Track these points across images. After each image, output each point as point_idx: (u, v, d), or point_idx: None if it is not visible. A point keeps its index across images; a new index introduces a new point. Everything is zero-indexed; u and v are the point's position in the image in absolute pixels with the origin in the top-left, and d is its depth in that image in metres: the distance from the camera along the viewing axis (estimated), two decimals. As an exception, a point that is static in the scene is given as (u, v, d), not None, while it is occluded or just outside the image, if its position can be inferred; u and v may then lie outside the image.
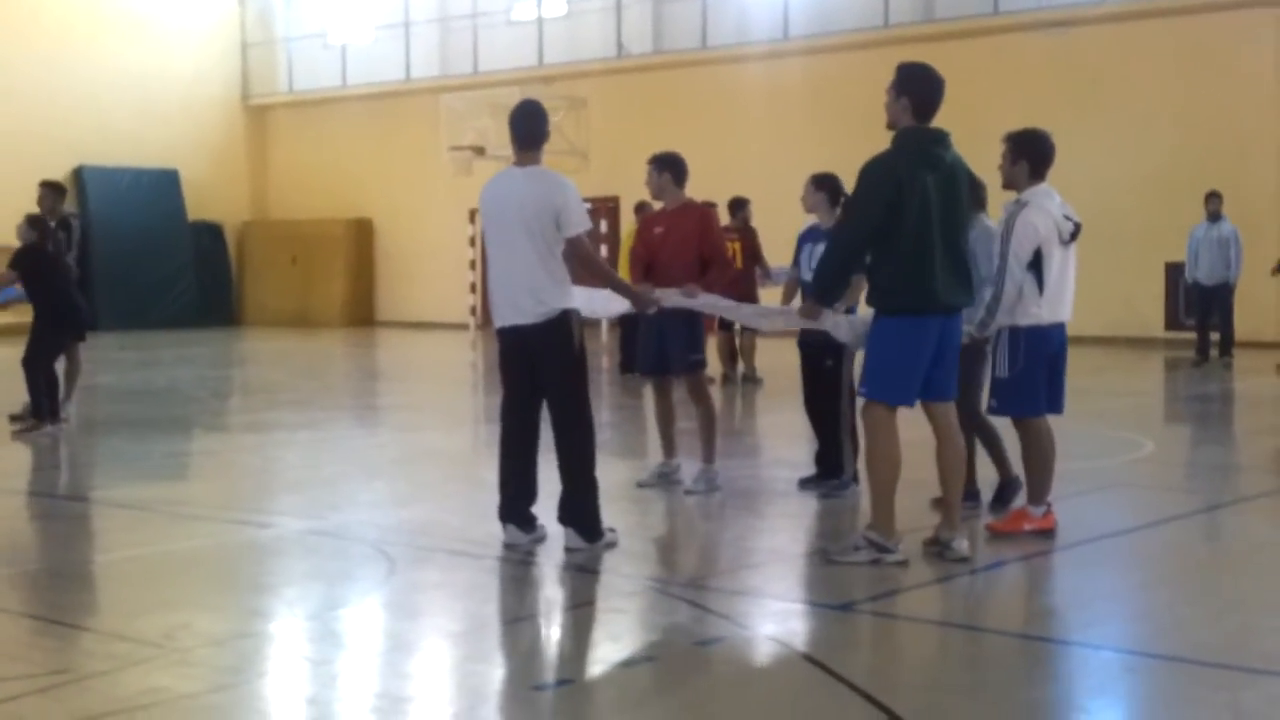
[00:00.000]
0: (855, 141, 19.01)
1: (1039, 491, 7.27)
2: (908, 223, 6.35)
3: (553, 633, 5.88)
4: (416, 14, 29.07)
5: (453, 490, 9.14)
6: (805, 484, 8.60)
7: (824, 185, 8.50)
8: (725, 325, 15.51)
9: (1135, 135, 21.22)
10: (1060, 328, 7.27)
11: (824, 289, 6.92)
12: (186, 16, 30.19)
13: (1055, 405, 7.34)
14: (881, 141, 6.63)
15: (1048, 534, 7.18)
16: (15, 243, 11.97)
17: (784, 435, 11.78)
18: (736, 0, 25.30)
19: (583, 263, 7.06)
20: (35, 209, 12.49)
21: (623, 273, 10.54)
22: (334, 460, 10.76)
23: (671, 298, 8.13)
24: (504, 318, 7.00)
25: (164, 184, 29.27)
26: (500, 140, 26.39)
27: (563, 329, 6.90)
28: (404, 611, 6.14)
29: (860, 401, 6.77)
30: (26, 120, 26.81)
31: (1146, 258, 20.92)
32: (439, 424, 13.26)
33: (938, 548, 6.69)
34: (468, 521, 7.73)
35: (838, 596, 6.07)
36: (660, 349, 8.65)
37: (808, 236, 8.67)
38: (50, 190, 12.86)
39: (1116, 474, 9.55)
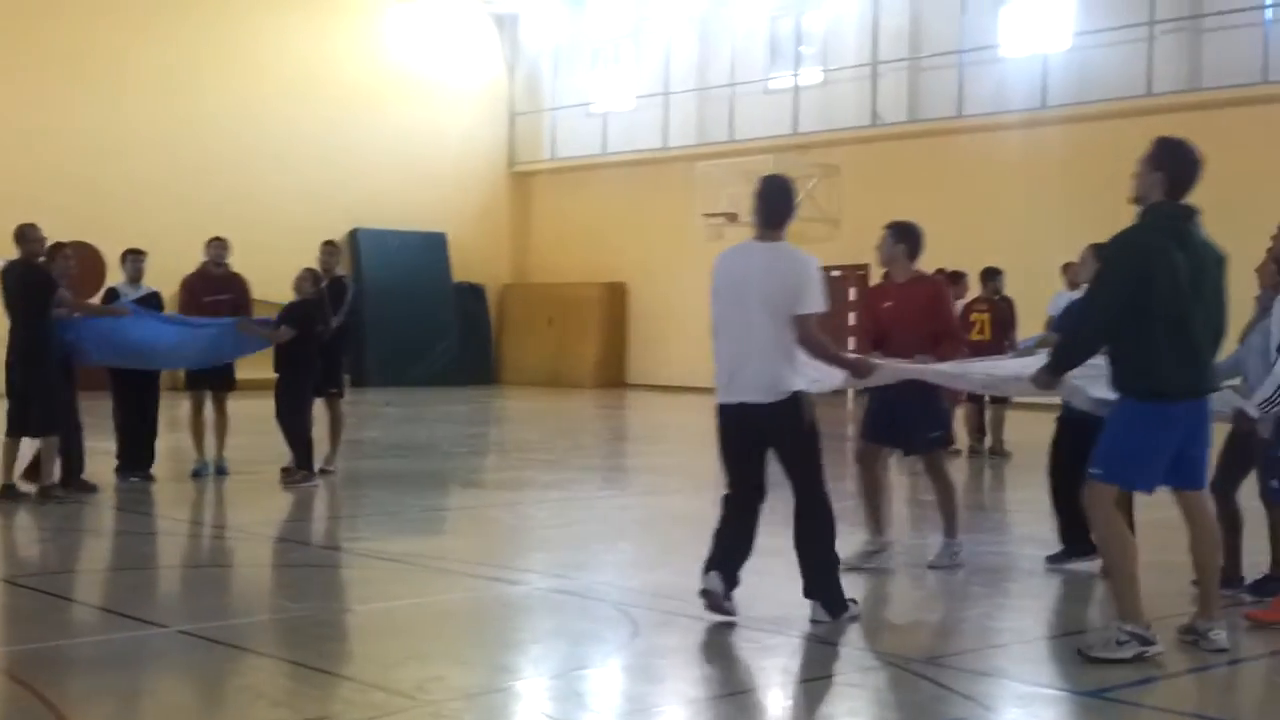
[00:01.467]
0: (1115, 213, 18.48)
1: None
2: (1159, 303, 6.14)
3: (792, 705, 5.89)
4: (676, 84, 29.66)
5: (696, 555, 9.06)
6: (1054, 561, 8.39)
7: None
8: (974, 397, 15.28)
9: None
10: None
11: (1064, 362, 6.69)
12: (458, 89, 31.48)
13: None
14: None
15: None
16: (284, 299, 12.69)
17: (1032, 511, 11.48)
18: (994, 69, 25.00)
19: (802, 340, 6.87)
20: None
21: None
22: (583, 520, 11.00)
23: (893, 368, 7.82)
24: (732, 394, 6.89)
25: (431, 246, 30.51)
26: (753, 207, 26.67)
27: (796, 409, 6.83)
28: (646, 675, 6.24)
29: (1090, 482, 6.41)
30: (306, 183, 28.33)
31: None
32: (685, 488, 13.39)
33: (1193, 636, 6.44)
34: (710, 588, 7.78)
35: (1087, 683, 5.90)
36: (891, 422, 8.42)
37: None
38: (331, 249, 13.58)
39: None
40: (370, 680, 5.89)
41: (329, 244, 13.66)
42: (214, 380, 12.86)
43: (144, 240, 13.67)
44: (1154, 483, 6.37)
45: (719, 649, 6.65)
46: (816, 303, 6.81)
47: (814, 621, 6.88)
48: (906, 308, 8.31)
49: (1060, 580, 8.17)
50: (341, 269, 13.99)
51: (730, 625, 6.85)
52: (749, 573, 7.05)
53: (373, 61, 30.16)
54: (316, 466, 12.46)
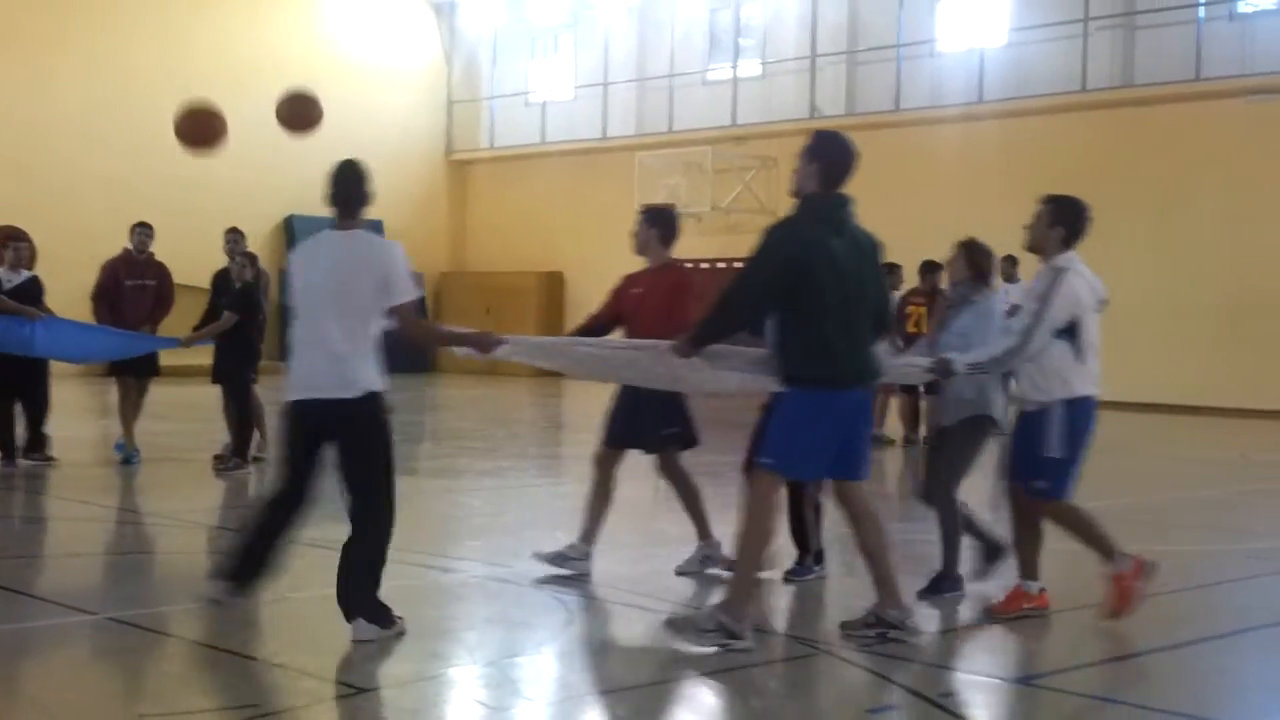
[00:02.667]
0: (1050, 206, 18.59)
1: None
2: (821, 291, 6.13)
3: (726, 692, 5.91)
4: (615, 74, 29.65)
5: (630, 542, 9.22)
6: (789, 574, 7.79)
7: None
8: (907, 388, 15.35)
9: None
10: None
11: (703, 336, 6.48)
12: (395, 76, 31.32)
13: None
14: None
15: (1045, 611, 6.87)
16: (204, 285, 12.54)
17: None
18: (931, 63, 25.20)
19: (409, 331, 6.44)
20: (227, 259, 12.95)
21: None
22: (517, 508, 10.99)
23: (523, 343, 7.20)
24: (304, 390, 6.26)
25: (367, 234, 30.31)
26: (692, 198, 26.74)
27: (372, 408, 6.25)
28: (581, 662, 6.25)
29: (758, 471, 6.34)
30: (240, 168, 27.99)
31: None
32: (620, 476, 13.34)
33: (883, 628, 6.31)
34: (644, 574, 7.81)
35: (1016, 670, 5.98)
36: (633, 420, 7.94)
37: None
38: (236, 235, 13.31)
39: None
40: (301, 667, 5.86)
41: (233, 230, 13.37)
42: (138, 365, 12.67)
43: (73, 225, 13.54)
44: (820, 472, 6.38)
45: (653, 637, 6.65)
46: (408, 290, 6.27)
47: (359, 641, 6.24)
48: (651, 295, 7.83)
49: (996, 568, 8.21)
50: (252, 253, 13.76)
51: (664, 613, 6.82)
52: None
53: (309, 46, 29.92)
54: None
